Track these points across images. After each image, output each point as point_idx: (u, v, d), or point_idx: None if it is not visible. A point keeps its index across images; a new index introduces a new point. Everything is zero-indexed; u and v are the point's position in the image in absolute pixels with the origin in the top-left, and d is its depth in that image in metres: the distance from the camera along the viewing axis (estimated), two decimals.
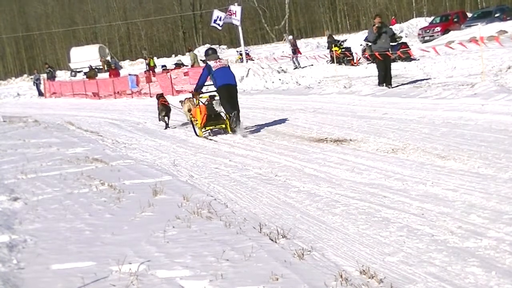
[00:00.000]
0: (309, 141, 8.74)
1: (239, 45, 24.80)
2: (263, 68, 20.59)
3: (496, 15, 29.14)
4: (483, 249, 3.94)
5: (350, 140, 8.36)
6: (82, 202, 5.98)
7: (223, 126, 10.53)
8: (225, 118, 10.44)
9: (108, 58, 52.18)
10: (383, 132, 8.55)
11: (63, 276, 3.95)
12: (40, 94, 32.12)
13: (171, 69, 27.25)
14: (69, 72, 52.38)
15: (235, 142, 9.37)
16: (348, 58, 22.73)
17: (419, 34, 32.56)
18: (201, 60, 28.86)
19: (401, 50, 20.80)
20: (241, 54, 26.24)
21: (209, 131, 10.71)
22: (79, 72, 47.47)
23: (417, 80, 15.32)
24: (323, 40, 44.36)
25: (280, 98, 15.33)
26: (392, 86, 13.75)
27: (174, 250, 4.31)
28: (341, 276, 3.59)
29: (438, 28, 31.26)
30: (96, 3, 79.06)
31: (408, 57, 20.58)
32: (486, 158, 6.29)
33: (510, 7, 33.12)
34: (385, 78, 13.89)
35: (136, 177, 7.08)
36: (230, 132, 10.27)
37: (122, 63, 55.58)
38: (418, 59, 20.47)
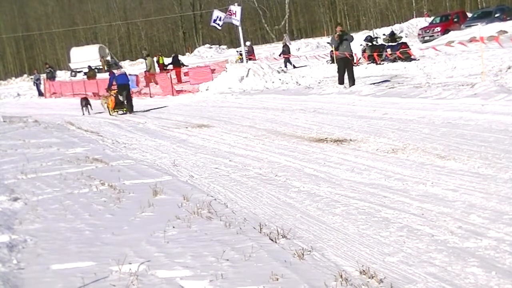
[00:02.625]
0: (309, 141, 8.75)
1: (239, 45, 24.79)
2: (263, 68, 20.58)
3: (496, 15, 29.09)
4: (483, 249, 3.94)
5: (350, 140, 8.36)
6: (82, 202, 5.99)
7: (124, 109, 16.92)
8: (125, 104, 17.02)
9: (108, 58, 52.15)
10: (383, 132, 8.55)
11: (63, 276, 3.95)
12: (40, 94, 32.10)
13: (171, 69, 27.28)
14: (69, 72, 52.36)
15: (235, 142, 9.38)
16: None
17: (419, 34, 32.53)
18: (167, 64, 29.65)
19: (401, 50, 20.78)
20: (241, 54, 26.23)
21: (117, 112, 16.92)
22: (79, 72, 47.45)
23: (385, 81, 15.98)
24: (323, 40, 44.36)
25: (280, 98, 15.33)
26: (355, 85, 14.86)
27: (174, 250, 4.31)
28: (341, 276, 3.59)
29: (438, 28, 31.23)
30: (96, 3, 78.98)
31: (408, 57, 20.57)
32: (486, 158, 6.29)
33: (510, 7, 33.07)
34: (343, 79, 15.22)
35: (136, 177, 7.09)
36: (126, 112, 16.76)
37: (122, 63, 55.55)
38: (418, 59, 20.46)
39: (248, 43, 34.32)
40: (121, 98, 16.78)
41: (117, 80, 16.94)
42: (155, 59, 29.50)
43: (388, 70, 18.95)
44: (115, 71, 17.99)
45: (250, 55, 30.07)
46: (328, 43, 30.52)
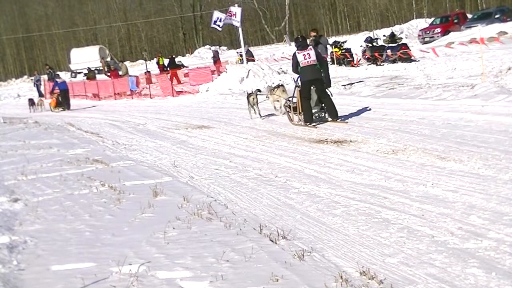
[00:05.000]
0: (310, 142, 8.75)
1: (239, 46, 24.79)
2: (263, 69, 20.58)
3: (496, 16, 29.08)
4: (483, 250, 3.94)
5: (350, 141, 8.36)
6: (82, 203, 5.99)
7: (63, 107, 21.55)
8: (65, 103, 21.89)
9: (108, 59, 52.18)
10: (383, 133, 8.55)
11: (63, 277, 3.95)
12: (41, 95, 32.08)
13: (171, 70, 27.26)
14: (69, 73, 52.36)
15: (236, 143, 9.38)
16: (348, 59, 22.70)
17: (419, 35, 32.52)
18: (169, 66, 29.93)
19: (401, 51, 20.77)
20: (241, 55, 26.22)
21: (58, 109, 21.36)
22: (79, 73, 47.48)
23: (359, 81, 16.34)
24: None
25: None
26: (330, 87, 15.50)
27: (174, 251, 4.31)
28: (341, 277, 3.59)
29: (438, 29, 31.22)
30: (96, 4, 79.03)
31: (408, 58, 20.57)
32: (486, 159, 6.29)
33: (510, 8, 33.05)
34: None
35: (136, 178, 7.08)
36: (64, 109, 21.34)
37: (122, 64, 55.51)
38: (418, 60, 20.45)
39: (213, 48, 34.79)
40: (62, 99, 21.97)
41: (59, 87, 21.98)
42: (154, 60, 29.51)
43: (388, 71, 18.94)
44: (57, 80, 23.41)
45: (216, 60, 30.04)
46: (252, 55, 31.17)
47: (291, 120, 10.85)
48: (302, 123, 10.26)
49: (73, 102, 27.15)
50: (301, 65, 10.10)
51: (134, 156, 9.10)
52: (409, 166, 6.48)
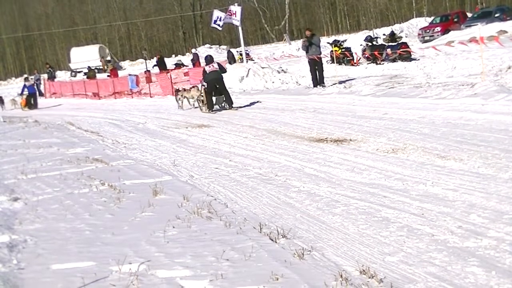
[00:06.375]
0: (309, 141, 8.75)
1: (239, 46, 24.76)
2: (263, 68, 20.57)
3: (496, 15, 29.07)
4: (483, 249, 3.94)
5: (350, 140, 8.36)
6: (82, 202, 5.99)
7: (32, 106, 24.18)
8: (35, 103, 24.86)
9: (108, 58, 52.19)
10: (383, 132, 8.55)
11: (63, 276, 3.96)
12: (40, 94, 32.06)
13: (171, 69, 27.26)
14: (69, 72, 52.38)
15: (235, 142, 9.38)
16: (348, 58, 22.70)
17: (419, 34, 32.49)
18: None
19: (401, 50, 20.76)
20: (241, 54, 26.19)
21: (28, 108, 24.00)
22: (79, 72, 47.49)
23: (351, 79, 16.77)
24: (323, 41, 44.31)
25: (280, 98, 15.33)
26: (325, 86, 15.92)
27: (174, 250, 4.31)
28: (341, 276, 3.59)
29: (438, 28, 31.20)
30: (96, 3, 78.95)
31: (408, 57, 20.56)
32: (486, 158, 6.29)
33: (510, 7, 33.05)
34: (317, 80, 16.22)
35: (136, 177, 7.09)
36: (33, 108, 24.16)
37: (122, 63, 55.50)
38: (418, 59, 20.45)
39: (193, 50, 34.68)
40: (32, 101, 24.84)
41: (28, 90, 25.06)
42: (154, 59, 29.21)
43: (388, 70, 18.93)
44: (26, 83, 25.69)
45: (195, 62, 29.79)
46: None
47: (201, 109, 14.69)
48: (207, 111, 14.30)
49: (73, 101, 27.36)
50: (207, 72, 14.40)
51: (134, 155, 9.10)
52: (409, 165, 6.48)
